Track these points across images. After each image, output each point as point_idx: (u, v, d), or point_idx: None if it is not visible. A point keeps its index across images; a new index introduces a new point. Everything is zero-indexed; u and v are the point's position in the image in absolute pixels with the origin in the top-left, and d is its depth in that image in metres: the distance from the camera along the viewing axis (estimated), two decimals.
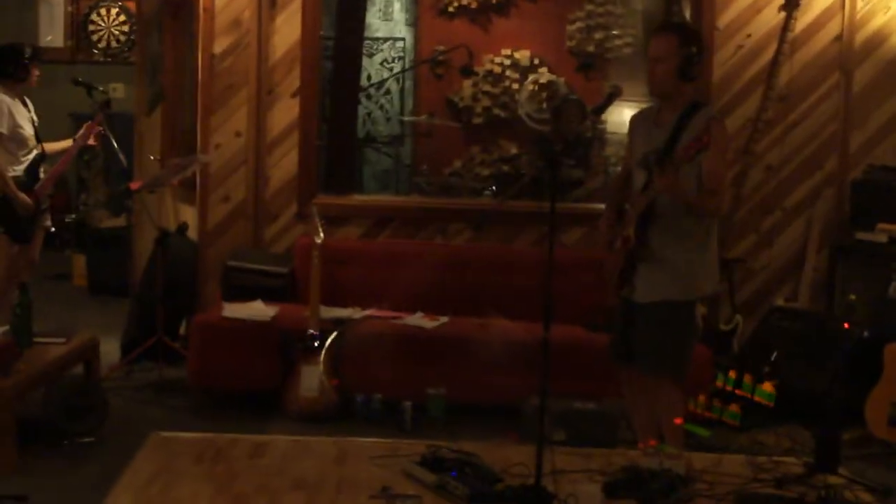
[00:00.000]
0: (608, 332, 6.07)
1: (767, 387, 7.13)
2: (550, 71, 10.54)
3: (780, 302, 7.90)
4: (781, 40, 7.97)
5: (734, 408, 7.11)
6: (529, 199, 8.31)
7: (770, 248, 8.18)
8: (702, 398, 7.09)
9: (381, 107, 11.11)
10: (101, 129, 8.09)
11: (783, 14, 7.99)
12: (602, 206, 6.52)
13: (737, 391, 7.18)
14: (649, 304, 5.56)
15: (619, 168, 6.71)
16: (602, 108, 5.70)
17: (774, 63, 8.00)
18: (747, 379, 7.19)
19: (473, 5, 10.51)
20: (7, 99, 7.79)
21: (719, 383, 7.20)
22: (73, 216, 11.86)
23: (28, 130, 7.93)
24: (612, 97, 5.60)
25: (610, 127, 9.91)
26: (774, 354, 7.36)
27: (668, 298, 5.53)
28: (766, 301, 8.07)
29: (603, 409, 6.69)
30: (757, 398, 7.14)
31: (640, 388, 5.78)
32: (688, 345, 5.68)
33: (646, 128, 5.73)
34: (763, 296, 8.14)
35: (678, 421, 5.61)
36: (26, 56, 7.89)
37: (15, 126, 7.79)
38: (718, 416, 7.11)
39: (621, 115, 7.67)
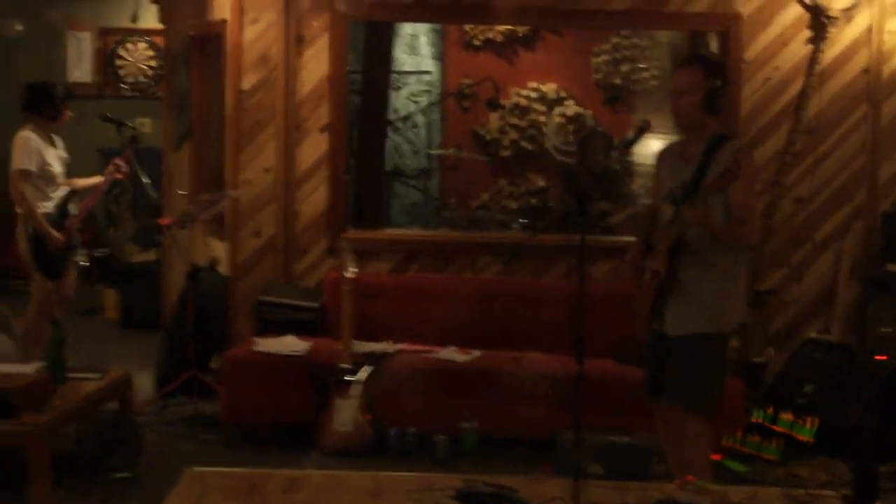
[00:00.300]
0: (639, 365, 6.06)
1: (806, 423, 7.09)
2: (577, 103, 10.61)
3: (812, 334, 7.89)
4: (809, 73, 7.99)
5: (772, 443, 7.07)
6: (558, 232, 8.33)
7: (801, 281, 8.16)
8: (739, 434, 7.06)
9: (409, 140, 11.17)
10: (124, 165, 8.13)
11: (810, 47, 8.01)
12: (630, 238, 6.53)
13: (774, 427, 7.15)
14: (678, 337, 5.54)
15: (647, 201, 6.71)
16: (631, 142, 5.68)
17: (802, 95, 8.01)
18: (786, 416, 7.16)
19: (499, 39, 10.59)
20: (36, 137, 7.84)
21: (757, 419, 7.17)
22: (104, 250, 11.91)
23: (57, 168, 7.98)
24: (642, 132, 5.58)
25: (637, 159, 9.94)
26: (808, 387, 7.34)
27: (696, 331, 5.50)
28: (798, 333, 8.04)
29: (638, 443, 6.68)
30: (796, 434, 7.10)
31: (673, 422, 5.76)
32: (716, 378, 5.62)
33: (672, 162, 5.72)
34: (795, 328, 8.11)
35: (716, 457, 5.59)
36: (59, 97, 7.96)
37: (44, 164, 7.84)
38: (756, 451, 7.06)
39: (648, 148, 7.67)
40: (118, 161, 8.11)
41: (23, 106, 7.96)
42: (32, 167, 7.76)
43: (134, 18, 12.64)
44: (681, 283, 5.48)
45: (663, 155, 5.87)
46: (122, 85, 13.64)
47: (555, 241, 8.14)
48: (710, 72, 5.54)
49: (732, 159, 5.20)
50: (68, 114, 8.04)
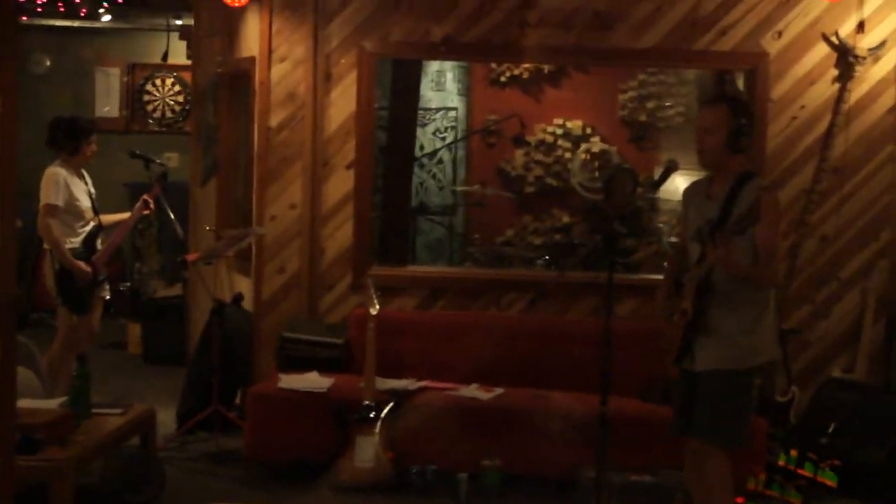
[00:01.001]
0: (663, 404, 6.02)
1: (830, 467, 7.02)
2: (603, 140, 10.59)
3: (836, 373, 7.85)
4: (835, 112, 7.98)
5: (795, 487, 7.00)
6: (583, 269, 8.32)
7: (826, 319, 8.12)
8: (762, 476, 7.01)
9: (434, 176, 11.17)
10: (151, 201, 8.19)
11: (837, 86, 8.00)
12: (656, 276, 6.50)
13: (798, 471, 7.09)
14: (705, 373, 5.53)
15: (674, 239, 6.70)
16: (658, 183, 5.73)
17: (829, 134, 7.99)
18: (810, 460, 7.10)
19: (525, 75, 10.60)
20: (64, 172, 7.90)
21: (781, 462, 7.13)
22: (128, 284, 11.95)
23: (84, 203, 8.03)
24: (669, 171, 5.61)
25: (662, 195, 9.91)
26: (832, 427, 7.29)
27: (723, 367, 5.49)
28: (822, 372, 8.00)
29: (658, 482, 6.64)
30: (819, 478, 7.04)
31: (699, 462, 5.71)
32: (740, 414, 5.60)
33: (699, 200, 5.73)
34: (819, 367, 8.07)
35: (739, 500, 5.56)
36: (78, 132, 8.00)
37: (72, 199, 7.90)
38: (779, 494, 7.00)
39: (674, 184, 7.65)
40: (146, 197, 8.17)
41: (46, 141, 8.02)
42: (59, 202, 7.81)
43: (165, 57, 12.70)
44: (708, 322, 5.47)
45: (689, 192, 5.88)
46: (150, 120, 13.72)
47: (580, 278, 8.13)
48: (734, 111, 5.54)
49: (755, 198, 5.19)
50: (91, 148, 8.07)
